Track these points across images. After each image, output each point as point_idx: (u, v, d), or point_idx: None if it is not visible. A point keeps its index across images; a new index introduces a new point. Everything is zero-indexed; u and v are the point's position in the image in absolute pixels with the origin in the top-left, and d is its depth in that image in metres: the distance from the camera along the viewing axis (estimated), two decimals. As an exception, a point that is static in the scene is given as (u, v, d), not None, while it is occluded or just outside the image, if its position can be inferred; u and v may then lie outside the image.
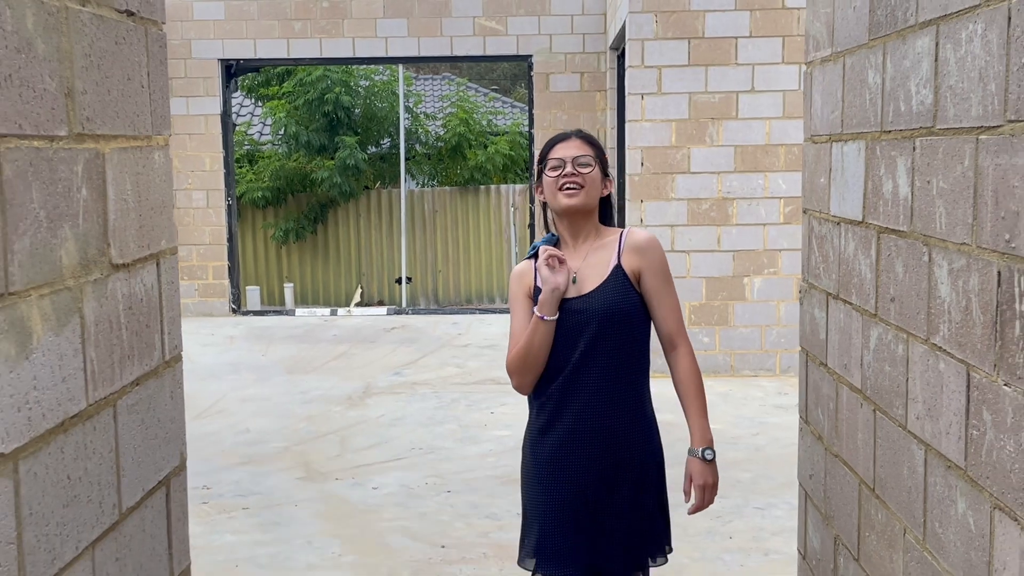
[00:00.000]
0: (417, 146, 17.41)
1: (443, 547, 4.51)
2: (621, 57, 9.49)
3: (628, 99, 7.72)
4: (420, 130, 17.37)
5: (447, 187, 17.23)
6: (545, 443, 2.66)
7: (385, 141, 17.33)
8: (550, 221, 2.83)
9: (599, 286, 2.62)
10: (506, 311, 10.71)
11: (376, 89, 16.76)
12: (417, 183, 17.77)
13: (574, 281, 2.64)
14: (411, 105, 17.24)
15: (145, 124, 1.72)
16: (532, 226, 11.77)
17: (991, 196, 1.60)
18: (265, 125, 18.18)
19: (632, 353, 2.64)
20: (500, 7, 10.79)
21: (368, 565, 4.34)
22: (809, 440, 2.80)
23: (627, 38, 7.75)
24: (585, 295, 2.63)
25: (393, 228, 16.73)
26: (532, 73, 10.88)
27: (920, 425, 1.93)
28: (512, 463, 5.05)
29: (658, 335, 2.70)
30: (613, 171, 8.76)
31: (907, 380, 2.00)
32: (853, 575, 2.39)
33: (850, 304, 2.38)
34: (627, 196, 7.83)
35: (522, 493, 2.78)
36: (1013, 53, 1.52)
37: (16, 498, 1.28)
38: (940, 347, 1.82)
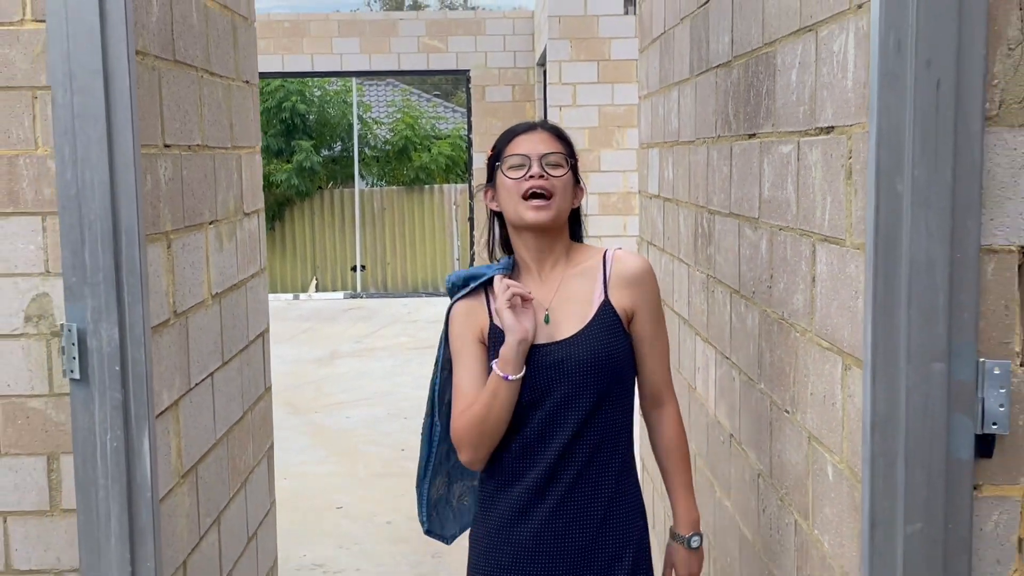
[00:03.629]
0: (367, 149, 18.86)
1: (402, 451, 6.00)
2: (546, 72, 11.06)
3: (549, 110, 9.29)
4: (369, 134, 18.82)
5: (394, 186, 18.69)
6: (508, 540, 2.07)
7: (337, 144, 18.74)
8: (496, 240, 2.20)
9: (583, 329, 2.03)
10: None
11: (329, 97, 18.18)
12: (367, 183, 19.20)
13: (547, 321, 2.04)
14: (360, 113, 18.67)
15: (252, 140, 3.20)
16: (472, 219, 13.27)
17: (693, 177, 3.14)
18: (223, 130, 19.44)
19: (620, 416, 2.08)
20: (441, 28, 12.31)
21: (347, 462, 5.83)
22: (643, 338, 4.35)
23: (547, 60, 9.32)
24: (563, 341, 2.02)
25: (345, 224, 18.14)
26: (470, 85, 12.41)
27: (678, 307, 3.48)
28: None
29: (639, 388, 2.15)
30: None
31: (674, 283, 3.55)
32: (659, 409, 3.94)
33: (656, 246, 3.94)
34: (549, 191, 9.40)
35: None
36: (697, 106, 3.07)
37: (220, 317, 2.76)
38: (682, 259, 3.37)
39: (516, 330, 1.97)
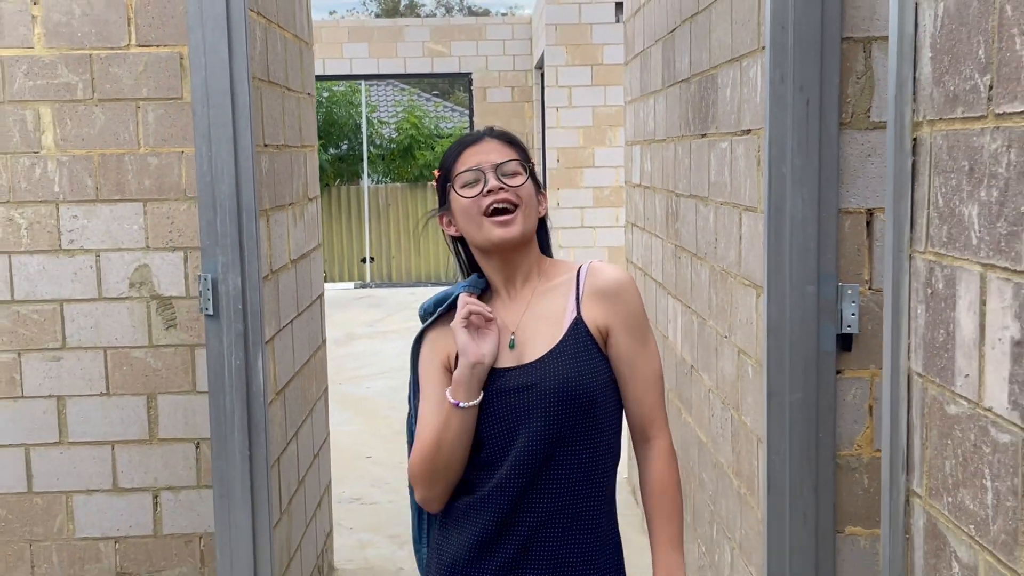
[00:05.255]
0: (372, 148, 19.65)
1: (420, 414, 6.80)
2: (543, 76, 11.84)
3: (547, 111, 10.07)
4: (375, 134, 19.63)
5: (399, 183, 19.49)
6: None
7: (344, 144, 19.53)
8: (463, 264, 2.01)
9: (552, 351, 1.82)
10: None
11: (336, 99, 18.95)
12: (372, 180, 20.00)
13: (512, 346, 1.85)
14: (366, 113, 19.46)
15: (312, 140, 3.99)
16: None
17: (664, 168, 3.93)
18: (232, 130, 20.21)
19: (599, 449, 1.84)
20: (445, 33, 13.10)
21: (371, 422, 6.62)
22: (629, 306, 5.16)
23: (544, 64, 10.10)
24: (530, 365, 1.83)
25: (352, 219, 18.93)
26: (472, 87, 13.20)
27: (655, 274, 4.27)
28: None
29: (627, 418, 1.91)
30: (538, 172, 10.97)
31: (652, 255, 4.34)
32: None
33: (638, 227, 4.73)
34: (547, 185, 10.19)
35: None
36: (667, 111, 3.85)
37: (296, 278, 3.55)
38: (657, 235, 4.16)
39: (469, 352, 1.77)
